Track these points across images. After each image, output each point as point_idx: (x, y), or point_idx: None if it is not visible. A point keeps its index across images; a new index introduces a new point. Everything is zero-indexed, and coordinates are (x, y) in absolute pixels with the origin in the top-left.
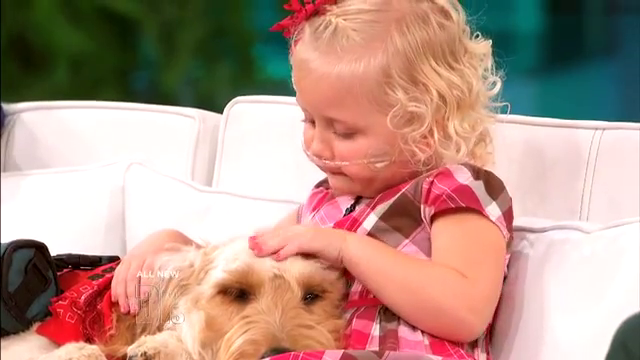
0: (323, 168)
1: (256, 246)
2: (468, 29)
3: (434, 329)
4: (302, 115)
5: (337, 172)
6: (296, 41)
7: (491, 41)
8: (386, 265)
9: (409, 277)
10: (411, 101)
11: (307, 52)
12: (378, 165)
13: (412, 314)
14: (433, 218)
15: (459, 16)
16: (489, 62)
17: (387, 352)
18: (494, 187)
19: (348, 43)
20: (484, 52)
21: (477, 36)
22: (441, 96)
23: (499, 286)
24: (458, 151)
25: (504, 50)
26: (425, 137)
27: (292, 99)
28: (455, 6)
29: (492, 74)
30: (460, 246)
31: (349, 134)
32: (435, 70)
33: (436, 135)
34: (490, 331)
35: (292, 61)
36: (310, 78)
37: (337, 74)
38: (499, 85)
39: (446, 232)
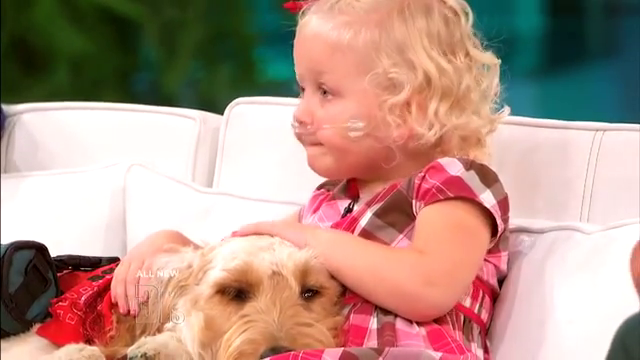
0: (302, 138)
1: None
2: (478, 42)
3: (402, 310)
4: None
5: (314, 143)
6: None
7: (499, 62)
8: (350, 254)
9: (369, 262)
10: (393, 67)
11: (309, 17)
12: (352, 134)
13: (379, 299)
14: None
15: (467, 22)
16: (495, 81)
17: (387, 349)
18: (487, 177)
19: (347, 9)
20: (488, 62)
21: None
22: (427, 77)
23: (467, 266)
24: (430, 129)
25: (505, 52)
26: (403, 113)
27: (293, 100)
28: (465, 9)
29: (496, 96)
30: (429, 228)
31: (331, 99)
32: (427, 52)
33: (414, 112)
34: (488, 329)
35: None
36: (305, 37)
37: (329, 32)
38: (507, 112)
39: (423, 219)
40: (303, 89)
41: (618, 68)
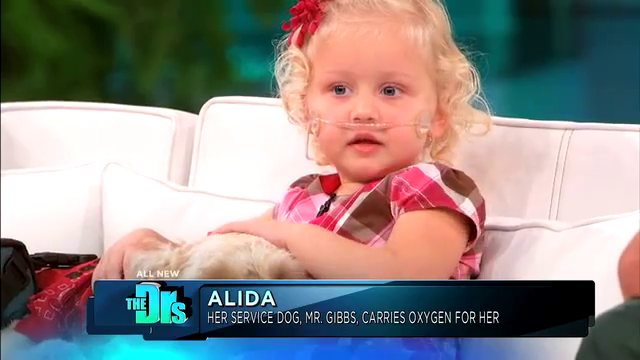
0: (359, 138)
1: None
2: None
3: None
4: (276, 117)
5: (375, 141)
6: (315, 24)
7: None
8: (322, 247)
9: (341, 256)
10: (459, 67)
11: (354, 17)
12: (422, 130)
13: None
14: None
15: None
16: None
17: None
18: (464, 185)
19: (398, 7)
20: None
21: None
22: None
23: (437, 271)
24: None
25: (474, 52)
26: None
27: (268, 100)
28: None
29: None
30: (405, 231)
31: (400, 97)
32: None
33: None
34: None
35: (322, 35)
36: (372, 36)
37: (402, 33)
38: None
39: (402, 223)
40: (343, 89)
41: (585, 68)
